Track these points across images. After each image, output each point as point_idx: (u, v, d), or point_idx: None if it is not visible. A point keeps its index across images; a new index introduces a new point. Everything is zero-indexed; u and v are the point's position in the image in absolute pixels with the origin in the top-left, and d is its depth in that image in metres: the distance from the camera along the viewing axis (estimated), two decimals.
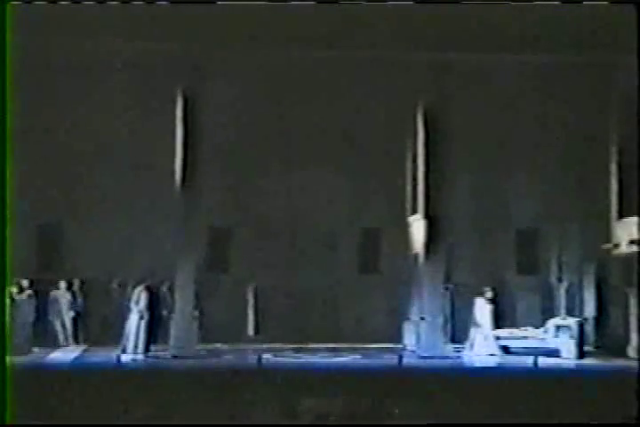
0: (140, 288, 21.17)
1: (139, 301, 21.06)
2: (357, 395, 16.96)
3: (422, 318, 21.18)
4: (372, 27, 20.13)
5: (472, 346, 21.35)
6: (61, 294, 22.48)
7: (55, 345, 21.74)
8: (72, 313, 22.46)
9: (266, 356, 19.63)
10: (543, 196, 24.19)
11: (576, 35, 20.71)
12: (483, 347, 21.18)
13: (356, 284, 24.05)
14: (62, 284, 22.50)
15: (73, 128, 23.27)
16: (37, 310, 21.42)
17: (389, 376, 17.92)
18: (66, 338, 22.28)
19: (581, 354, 20.90)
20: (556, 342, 21.01)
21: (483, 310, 21.43)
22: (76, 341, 22.33)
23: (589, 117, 23.42)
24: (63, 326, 22.34)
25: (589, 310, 23.06)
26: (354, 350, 21.71)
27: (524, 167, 24.21)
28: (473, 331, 21.41)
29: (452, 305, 22.85)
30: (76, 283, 22.75)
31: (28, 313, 21.00)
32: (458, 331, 22.43)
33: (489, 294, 21.51)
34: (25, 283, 21.56)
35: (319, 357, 20.77)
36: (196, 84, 21.07)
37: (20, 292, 21.03)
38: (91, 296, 22.76)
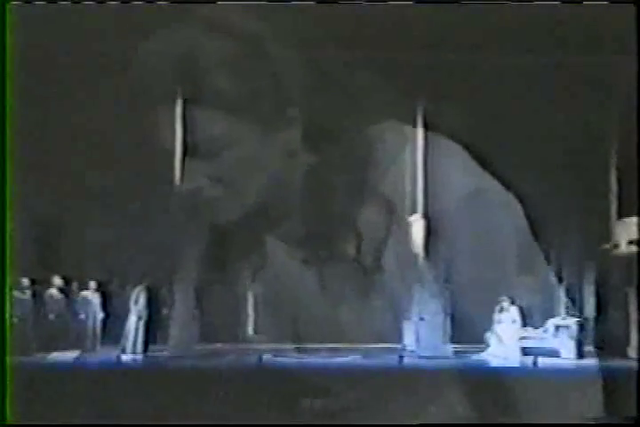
0: (139, 288, 21.24)
1: (138, 301, 21.15)
2: (357, 395, 17.00)
3: (422, 319, 21.23)
4: (372, 27, 20.22)
5: (495, 347, 20.92)
6: (92, 295, 21.92)
7: (82, 348, 21.11)
8: (102, 315, 21.94)
9: (266, 356, 19.73)
10: (543, 195, 24.21)
11: (576, 35, 20.80)
12: (506, 348, 20.76)
13: (356, 283, 24.14)
14: (92, 284, 21.74)
15: (73, 127, 23.32)
16: (37, 309, 21.17)
17: (389, 376, 18.04)
18: (94, 340, 21.64)
19: (581, 354, 21.04)
20: (555, 342, 21.12)
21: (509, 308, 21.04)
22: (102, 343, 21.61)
23: (589, 117, 23.47)
24: (93, 328, 21.75)
25: (589, 310, 23.04)
26: (354, 350, 21.75)
27: (523, 167, 24.24)
28: (495, 331, 21.10)
29: (452, 305, 22.88)
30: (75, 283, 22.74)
31: (28, 312, 20.69)
32: (458, 331, 22.45)
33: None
34: (58, 281, 21.30)
35: (319, 357, 20.81)
36: (196, 84, 21.17)
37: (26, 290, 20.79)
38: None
